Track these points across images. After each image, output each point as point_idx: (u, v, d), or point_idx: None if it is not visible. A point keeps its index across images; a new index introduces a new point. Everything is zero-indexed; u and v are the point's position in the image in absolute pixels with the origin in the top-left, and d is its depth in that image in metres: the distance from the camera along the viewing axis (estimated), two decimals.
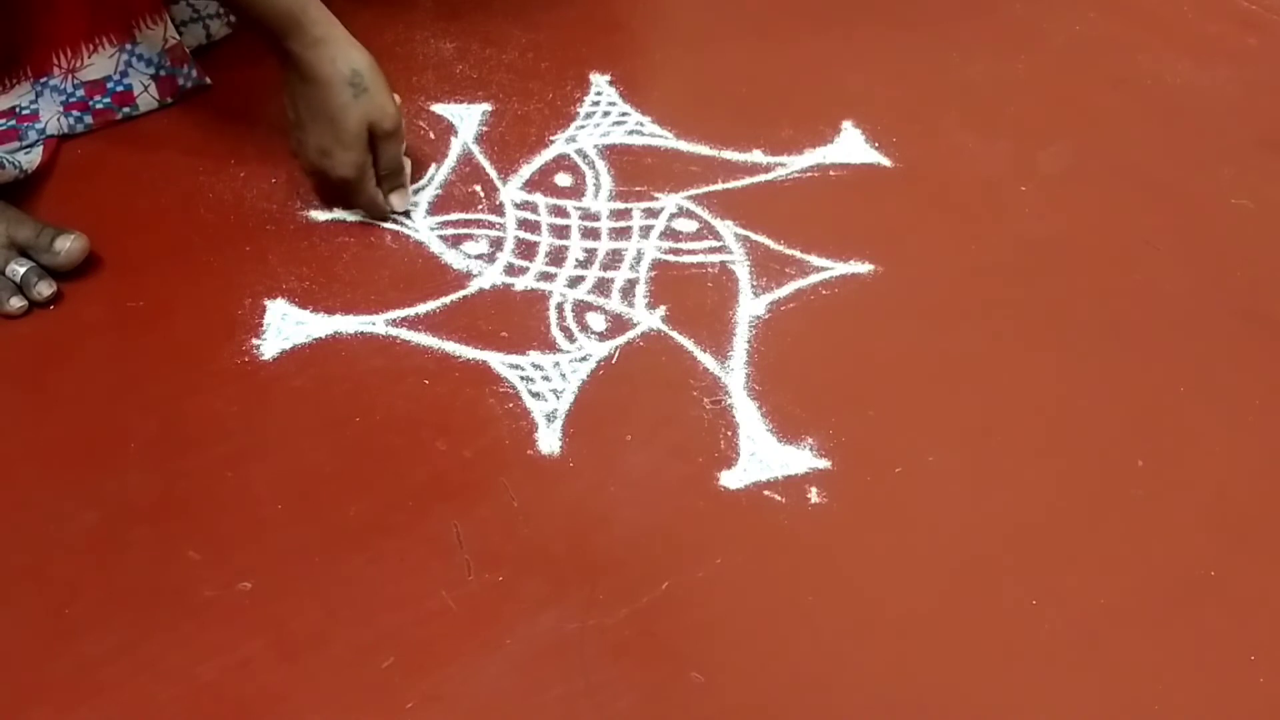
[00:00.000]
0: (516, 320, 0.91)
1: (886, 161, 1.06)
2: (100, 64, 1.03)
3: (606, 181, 1.03)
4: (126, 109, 1.05)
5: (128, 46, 1.04)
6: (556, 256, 0.96)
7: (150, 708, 0.68)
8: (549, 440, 0.82)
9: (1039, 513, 0.80)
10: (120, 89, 1.04)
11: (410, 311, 0.91)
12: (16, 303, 0.89)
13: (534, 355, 0.88)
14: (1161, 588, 0.76)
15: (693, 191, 1.02)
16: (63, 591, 0.73)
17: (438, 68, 1.14)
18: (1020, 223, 1.01)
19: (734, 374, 0.87)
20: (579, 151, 1.06)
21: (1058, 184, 1.05)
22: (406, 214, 0.98)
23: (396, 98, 0.95)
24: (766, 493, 0.80)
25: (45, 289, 0.89)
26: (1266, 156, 1.08)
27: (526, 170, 1.03)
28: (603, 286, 0.94)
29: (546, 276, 0.94)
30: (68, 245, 0.90)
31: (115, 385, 0.85)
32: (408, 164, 0.99)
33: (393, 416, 0.84)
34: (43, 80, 1.01)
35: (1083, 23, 1.23)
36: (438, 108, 1.09)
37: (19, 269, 0.90)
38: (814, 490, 0.80)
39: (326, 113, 0.91)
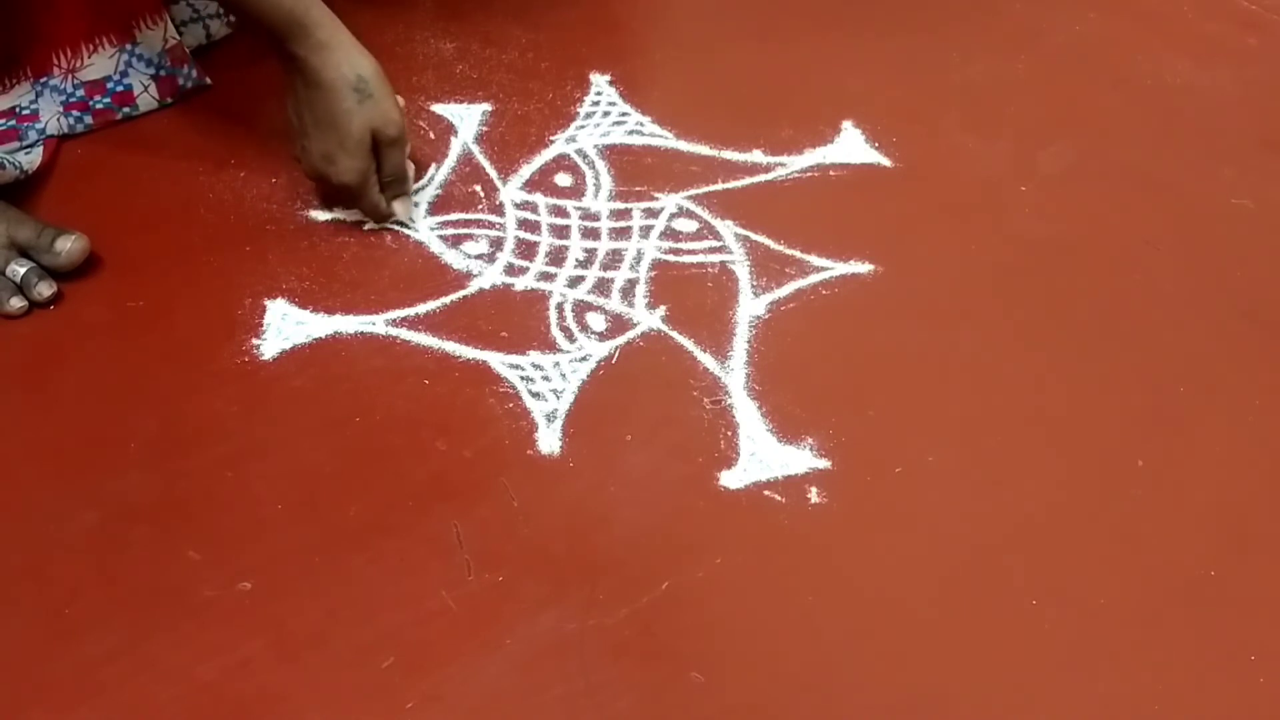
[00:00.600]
0: (516, 320, 0.91)
1: (886, 161, 1.06)
2: (100, 64, 1.03)
3: (606, 181, 1.03)
4: (126, 109, 1.05)
5: (128, 47, 1.04)
6: (556, 256, 0.96)
7: (150, 708, 0.68)
8: (549, 440, 0.82)
9: (1039, 513, 0.80)
10: (120, 89, 1.04)
11: (410, 311, 0.91)
12: (16, 303, 0.89)
13: (534, 355, 0.88)
14: (1161, 588, 0.76)
15: (693, 191, 1.02)
16: (63, 591, 0.73)
17: (438, 68, 1.14)
18: (1020, 223, 1.01)
19: (734, 374, 0.87)
20: (579, 151, 1.06)
21: (1058, 184, 1.05)
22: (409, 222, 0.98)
23: (402, 102, 0.95)
24: (766, 493, 0.80)
25: (45, 289, 0.89)
26: (1266, 156, 1.08)
27: (526, 170, 1.03)
28: (603, 286, 0.94)
29: (546, 276, 0.94)
30: (68, 246, 0.90)
31: (115, 385, 0.85)
32: (411, 170, 0.99)
33: (393, 416, 0.84)
34: (43, 80, 1.01)
35: (1083, 23, 1.23)
36: (438, 108, 1.09)
37: (19, 269, 0.90)
38: (814, 490, 0.80)
39: (330, 118, 0.91)
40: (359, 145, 0.92)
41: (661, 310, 0.92)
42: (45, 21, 0.99)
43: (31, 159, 0.98)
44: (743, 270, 0.95)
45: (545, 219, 0.99)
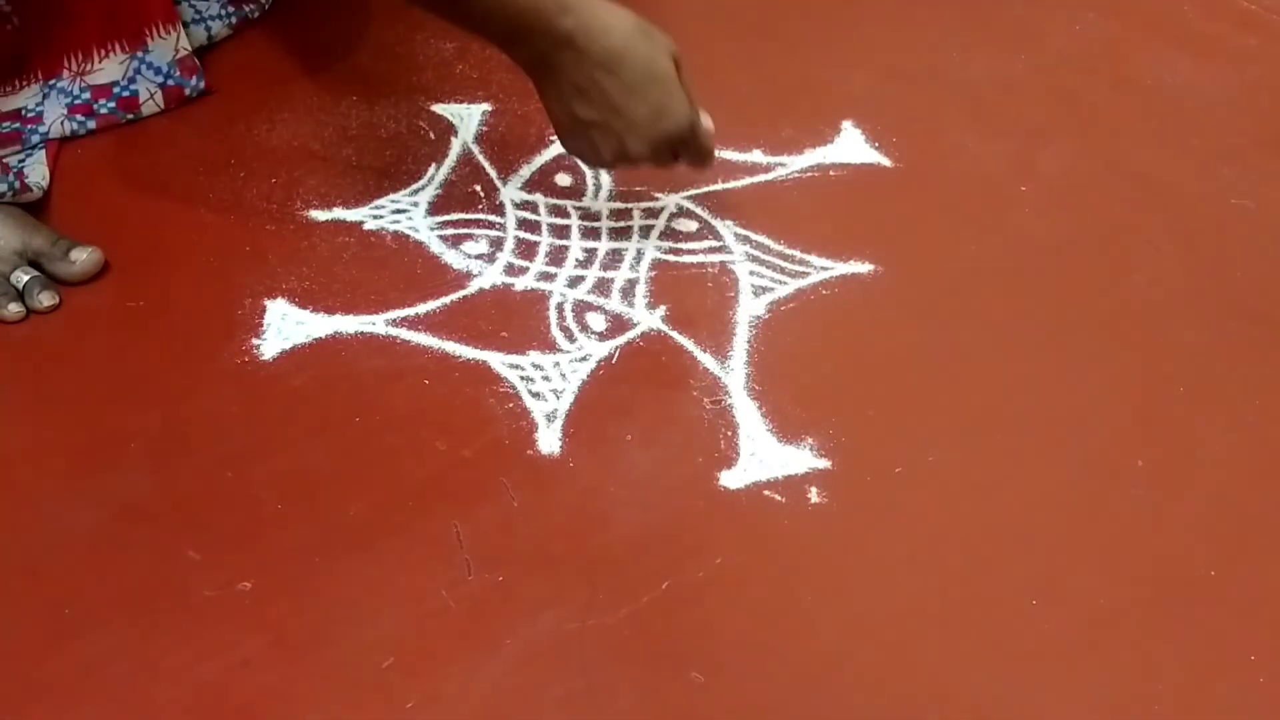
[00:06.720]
0: (516, 320, 0.91)
1: (886, 161, 1.06)
2: (110, 69, 1.03)
3: (606, 181, 1.02)
4: (131, 115, 1.05)
5: (139, 54, 1.03)
6: (556, 256, 0.96)
7: (150, 708, 0.68)
8: (549, 440, 0.82)
9: (1039, 513, 0.80)
10: (126, 94, 1.04)
11: (410, 311, 0.91)
12: (15, 308, 0.89)
13: (534, 355, 0.88)
14: (1161, 588, 0.76)
15: (693, 191, 1.02)
16: (63, 591, 0.73)
17: (438, 68, 1.14)
18: (1020, 223, 1.01)
19: (734, 374, 0.87)
20: None
21: (1058, 184, 1.05)
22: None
23: None
24: (766, 493, 0.80)
25: (46, 299, 0.89)
26: (1266, 156, 1.08)
27: (526, 170, 1.03)
28: (603, 286, 0.94)
29: (546, 276, 0.94)
30: (84, 257, 0.90)
31: (115, 385, 0.85)
32: None
33: (393, 416, 0.84)
34: (50, 82, 1.01)
35: (1083, 23, 1.23)
36: (438, 108, 1.09)
37: (23, 277, 0.90)
38: (814, 490, 0.80)
39: (646, 69, 0.83)
40: (677, 80, 0.84)
41: (661, 310, 0.92)
42: (58, 25, 0.99)
43: (39, 175, 0.97)
44: (743, 270, 0.95)
45: (545, 219, 0.99)
